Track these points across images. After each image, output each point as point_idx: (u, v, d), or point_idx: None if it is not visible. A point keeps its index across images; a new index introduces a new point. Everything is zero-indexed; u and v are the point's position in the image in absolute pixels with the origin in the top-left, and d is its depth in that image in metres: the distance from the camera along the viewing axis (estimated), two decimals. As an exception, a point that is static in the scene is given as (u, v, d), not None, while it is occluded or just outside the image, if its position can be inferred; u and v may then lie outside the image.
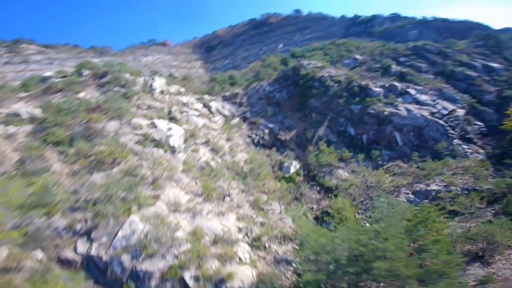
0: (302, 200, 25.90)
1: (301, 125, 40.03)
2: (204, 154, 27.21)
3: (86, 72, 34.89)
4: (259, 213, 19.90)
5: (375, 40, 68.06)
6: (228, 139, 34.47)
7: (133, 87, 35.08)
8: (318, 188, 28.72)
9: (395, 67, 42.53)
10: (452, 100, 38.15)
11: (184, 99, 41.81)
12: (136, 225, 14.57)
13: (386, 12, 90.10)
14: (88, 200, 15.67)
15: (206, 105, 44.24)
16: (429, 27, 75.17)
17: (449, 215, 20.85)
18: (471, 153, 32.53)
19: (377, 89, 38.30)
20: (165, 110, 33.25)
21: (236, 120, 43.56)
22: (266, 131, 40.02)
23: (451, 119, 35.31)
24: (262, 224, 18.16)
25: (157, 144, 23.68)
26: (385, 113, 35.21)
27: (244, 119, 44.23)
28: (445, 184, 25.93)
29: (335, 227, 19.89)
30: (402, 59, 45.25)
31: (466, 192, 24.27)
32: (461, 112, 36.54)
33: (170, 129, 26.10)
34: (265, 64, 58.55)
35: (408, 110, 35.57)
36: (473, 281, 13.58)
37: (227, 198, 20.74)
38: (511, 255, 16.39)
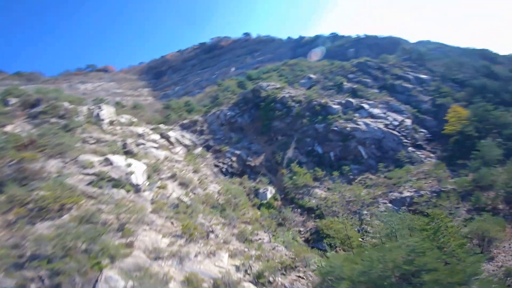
0: (287, 225, 25.06)
1: (269, 148, 39.21)
2: (174, 190, 24.39)
3: (13, 100, 29.00)
4: (250, 245, 18.39)
5: (320, 59, 73.54)
6: (195, 171, 31.67)
7: (75, 118, 30.41)
8: (299, 210, 28.05)
9: (346, 84, 45.53)
10: (399, 111, 41.92)
11: (139, 130, 37.93)
12: (115, 282, 11.51)
13: (326, 32, 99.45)
14: (37, 256, 12.11)
15: (164, 136, 40.76)
16: (363, 45, 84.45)
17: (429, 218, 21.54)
18: (425, 158, 35.46)
19: (336, 106, 40.04)
20: (119, 144, 29.26)
21: (199, 149, 40.91)
22: (234, 158, 38.11)
23: (402, 129, 38.51)
24: (258, 257, 16.79)
25: (116, 183, 20.24)
26: (348, 129, 36.63)
27: (208, 147, 41.77)
28: (415, 189, 27.45)
29: (337, 249, 19.55)
30: (350, 75, 48.92)
31: (435, 194, 25.93)
32: (408, 122, 40.21)
33: (129, 165, 22.57)
34: (222, 88, 57.61)
35: (366, 124, 37.65)
36: (491, 276, 13.63)
37: (212, 235, 18.57)
38: (506, 248, 17.20)
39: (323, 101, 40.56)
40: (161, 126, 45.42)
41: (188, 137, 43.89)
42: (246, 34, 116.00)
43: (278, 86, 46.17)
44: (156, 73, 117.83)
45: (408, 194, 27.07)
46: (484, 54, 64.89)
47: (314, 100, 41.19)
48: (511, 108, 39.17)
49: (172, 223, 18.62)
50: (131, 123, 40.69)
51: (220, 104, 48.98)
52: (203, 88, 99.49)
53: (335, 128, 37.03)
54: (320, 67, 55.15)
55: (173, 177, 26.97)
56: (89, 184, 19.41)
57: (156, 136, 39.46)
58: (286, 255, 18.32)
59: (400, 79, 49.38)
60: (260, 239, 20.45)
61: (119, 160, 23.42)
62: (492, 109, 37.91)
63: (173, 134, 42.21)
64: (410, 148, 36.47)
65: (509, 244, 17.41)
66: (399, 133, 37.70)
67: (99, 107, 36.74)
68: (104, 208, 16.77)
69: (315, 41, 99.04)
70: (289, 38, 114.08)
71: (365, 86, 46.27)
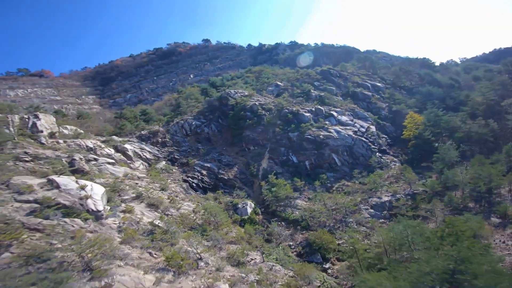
0: (275, 240, 23.33)
1: (241, 160, 37.08)
2: (143, 213, 20.74)
3: None
4: (246, 269, 16.51)
5: (281, 67, 74.82)
6: (162, 189, 27.97)
7: (4, 129, 24.79)
8: (284, 223, 26.42)
9: (314, 92, 46.23)
10: (364, 118, 43.82)
11: (88, 143, 32.79)
12: None
13: (285, 40, 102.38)
14: None
15: (119, 149, 36.01)
16: (320, 53, 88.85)
17: (412, 219, 21.79)
18: (390, 162, 37.23)
19: (307, 114, 39.99)
20: (64, 161, 24.38)
21: (163, 163, 36.98)
22: (204, 172, 35.05)
23: (369, 136, 40.06)
24: (259, 282, 15.29)
25: (68, 211, 16.16)
26: (321, 136, 36.64)
27: (173, 161, 37.93)
28: (391, 194, 28.45)
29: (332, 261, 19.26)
30: (316, 83, 49.98)
31: (409, 197, 27.22)
32: (373, 128, 42.19)
33: (82, 187, 18.29)
34: (183, 96, 53.88)
35: (337, 131, 38.21)
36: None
37: (201, 263, 15.98)
38: (497, 243, 17.82)
39: (294, 109, 40.20)
40: (115, 138, 40.26)
41: (148, 150, 39.42)
42: (206, 40, 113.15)
43: (246, 93, 44.64)
44: (104, 79, 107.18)
45: (386, 198, 27.97)
46: (424, 63, 72.99)
47: (285, 108, 40.61)
48: (457, 112, 43.75)
49: (150, 253, 15.51)
50: (77, 135, 35.03)
51: (183, 113, 45.39)
52: (159, 96, 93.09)
53: (309, 137, 36.75)
54: (286, 74, 55.49)
55: (138, 197, 23.25)
56: (30, 213, 15.23)
57: (110, 150, 34.56)
58: (286, 274, 17.30)
59: (360, 86, 52.10)
60: (252, 259, 18.72)
61: (67, 182, 19.02)
62: (442, 114, 41.68)
63: (130, 147, 37.54)
64: (378, 154, 37.99)
65: (494, 240, 18.34)
66: (367, 139, 39.05)
67: (36, 116, 30.79)
68: (57, 244, 13.03)
69: (275, 49, 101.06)
70: (249, 45, 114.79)
71: (331, 93, 47.56)
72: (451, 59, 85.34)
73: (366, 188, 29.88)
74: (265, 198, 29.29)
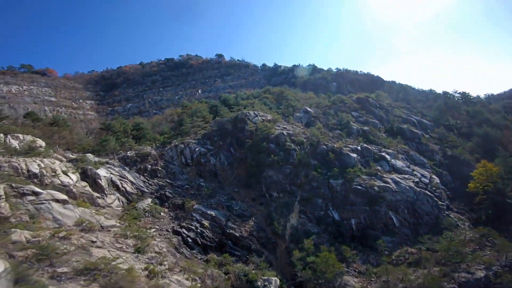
0: None
1: (260, 210, 25.21)
2: None
3: None
4: None
5: (297, 90, 64.94)
6: (138, 251, 15.98)
7: None
8: None
9: (354, 125, 35.30)
10: (421, 165, 32.71)
11: (40, 163, 21.26)
12: None
13: (301, 62, 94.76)
14: None
15: (89, 175, 24.68)
16: (343, 79, 79.58)
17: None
18: (457, 221, 27.10)
19: (353, 155, 28.68)
20: None
21: (148, 201, 25.44)
22: (206, 222, 23.23)
23: (433, 188, 29.25)
24: None
25: None
26: (375, 188, 25.22)
27: (162, 200, 26.18)
28: (484, 266, 20.32)
29: None
30: (354, 113, 39.26)
31: (507, 268, 19.72)
32: (436, 178, 31.13)
33: None
34: (188, 112, 42.99)
35: (395, 182, 26.83)
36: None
37: None
38: None
39: (336, 146, 28.93)
40: (89, 157, 28.89)
41: (131, 180, 27.72)
42: (219, 55, 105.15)
43: (269, 117, 33.60)
44: (107, 85, 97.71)
45: (480, 273, 19.31)
46: (465, 98, 62.79)
47: (323, 144, 29.32)
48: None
49: None
50: (31, 149, 23.49)
51: (184, 134, 34.11)
52: (162, 109, 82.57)
53: (359, 187, 25.27)
54: (312, 99, 44.96)
55: (87, 273, 11.33)
56: None
57: (71, 177, 22.94)
58: None
59: (406, 122, 41.42)
60: None
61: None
62: (516, 164, 31.43)
63: (105, 173, 26.06)
64: (445, 212, 27.77)
65: None
66: (432, 193, 28.29)
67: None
68: None
69: (293, 71, 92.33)
70: (263, 65, 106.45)
71: (374, 127, 36.67)
72: (489, 93, 75.48)
73: (440, 258, 21.20)
74: (297, 272, 17.74)
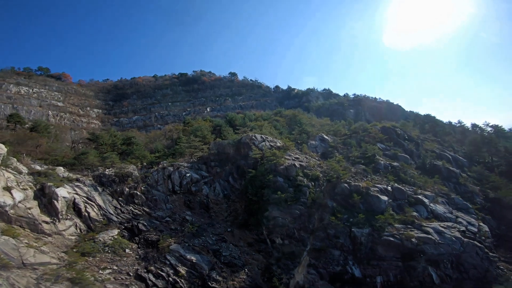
0: None
1: (256, 259, 18.94)
2: None
3: None
4: None
5: (311, 115, 59.76)
6: None
7: None
8: None
9: (381, 159, 29.07)
10: (465, 210, 26.03)
11: None
12: None
13: (315, 86, 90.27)
14: None
15: (45, 192, 19.60)
16: (362, 105, 74.25)
17: None
18: (508, 273, 21.00)
19: (383, 197, 22.33)
20: None
21: (113, 233, 20.52)
22: (182, 269, 17.42)
23: (483, 238, 22.81)
24: None
25: None
26: (413, 240, 18.72)
27: (133, 233, 20.75)
28: None
29: None
30: (380, 145, 33.16)
31: None
32: (485, 226, 24.50)
33: None
34: (189, 130, 38.22)
35: (438, 232, 20.35)
36: None
37: None
38: None
39: (362, 185, 22.74)
40: (59, 170, 24.16)
41: (99, 204, 22.56)
42: (232, 74, 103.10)
43: (279, 144, 28.02)
44: (118, 95, 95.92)
45: None
46: (498, 132, 55.30)
47: (344, 181, 23.18)
48: None
49: None
50: None
51: (178, 154, 28.85)
52: (168, 124, 79.36)
53: (391, 239, 18.81)
54: (333, 126, 39.36)
55: None
56: None
57: (13, 195, 18.23)
58: None
59: (440, 158, 34.96)
60: None
61: None
62: None
63: (67, 193, 21.27)
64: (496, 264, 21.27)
65: None
66: (481, 243, 21.84)
67: None
68: None
69: (307, 95, 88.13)
70: (276, 87, 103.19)
71: (405, 163, 30.36)
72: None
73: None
74: None
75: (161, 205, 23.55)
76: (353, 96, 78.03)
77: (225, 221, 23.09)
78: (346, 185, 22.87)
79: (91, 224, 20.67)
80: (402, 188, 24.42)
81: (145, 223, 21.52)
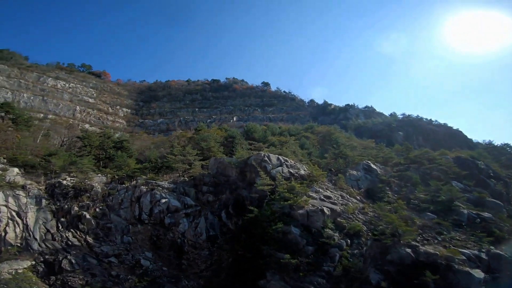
0: None
1: None
2: None
3: None
4: None
5: (350, 133, 49.33)
6: None
7: None
8: None
9: (462, 207, 18.40)
10: None
11: None
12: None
13: (356, 103, 79.19)
14: None
15: None
16: (414, 128, 61.46)
17: None
18: None
19: (477, 273, 12.04)
20: None
21: (22, 265, 15.64)
22: None
23: None
24: None
25: None
26: None
27: (52, 269, 13.43)
28: None
29: None
30: (457, 184, 22.14)
31: None
32: None
33: None
34: (196, 138, 31.33)
35: None
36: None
37: None
38: None
39: (439, 251, 12.68)
40: (12, 172, 18.68)
41: (27, 223, 16.47)
42: (265, 84, 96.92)
43: (303, 172, 19.17)
44: (150, 96, 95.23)
45: None
46: None
47: (407, 243, 13.38)
48: None
49: None
50: None
51: (165, 169, 21.65)
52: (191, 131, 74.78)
53: None
54: (382, 151, 28.97)
55: None
56: None
57: None
58: None
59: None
60: None
61: None
62: None
63: None
64: None
65: None
66: None
67: None
68: None
69: (345, 111, 77.47)
70: (311, 101, 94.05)
71: (497, 211, 19.19)
72: None
73: None
74: None
75: (114, 236, 16.18)
76: (401, 116, 65.53)
77: (200, 276, 14.83)
78: (408, 250, 13.06)
79: (2, 248, 14.15)
80: (501, 253, 13.79)
81: (75, 260, 14.21)
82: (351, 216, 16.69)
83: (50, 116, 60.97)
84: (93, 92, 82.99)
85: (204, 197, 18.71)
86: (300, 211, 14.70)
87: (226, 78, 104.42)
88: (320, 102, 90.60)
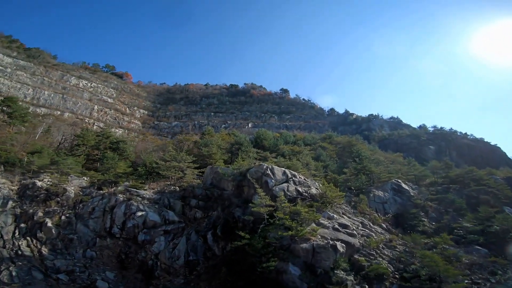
0: None
1: None
2: None
3: None
4: None
5: (373, 146, 44.35)
6: None
7: None
8: None
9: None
10: None
11: None
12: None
13: (380, 113, 72.94)
14: None
15: None
16: (447, 142, 55.00)
17: None
18: None
19: None
20: None
21: None
22: None
23: None
24: None
25: None
26: None
27: None
28: None
29: None
30: (510, 210, 17.43)
31: None
32: None
33: None
34: (201, 142, 28.64)
35: None
36: None
37: None
38: None
39: None
40: None
41: None
42: (284, 90, 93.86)
43: (315, 190, 15.36)
44: (168, 99, 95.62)
45: None
46: None
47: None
48: None
49: None
50: None
51: (156, 176, 18.87)
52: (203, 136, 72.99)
53: None
54: (412, 167, 24.22)
55: None
56: None
57: None
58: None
59: None
60: None
61: None
62: None
63: None
64: None
65: None
66: None
67: None
68: None
69: (369, 122, 71.95)
70: (331, 110, 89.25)
71: None
72: None
73: None
74: None
75: (75, 249, 13.43)
76: (432, 129, 59.20)
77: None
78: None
79: None
80: None
81: (17, 272, 11.45)
82: (374, 252, 12.70)
83: (66, 114, 61.81)
84: (113, 92, 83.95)
85: (191, 212, 15.58)
86: (304, 245, 11.01)
87: (245, 84, 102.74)
88: (341, 111, 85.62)
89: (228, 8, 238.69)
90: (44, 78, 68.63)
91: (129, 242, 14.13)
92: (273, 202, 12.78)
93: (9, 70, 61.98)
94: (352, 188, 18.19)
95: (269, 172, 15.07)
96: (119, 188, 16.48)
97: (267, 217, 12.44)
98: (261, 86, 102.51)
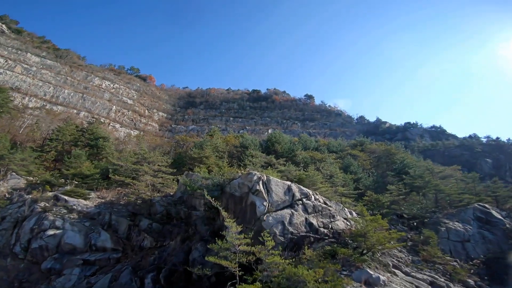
0: None
1: None
2: None
3: None
4: None
5: (416, 156, 35.79)
6: None
7: None
8: None
9: None
10: None
11: None
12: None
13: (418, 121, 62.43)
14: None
15: None
16: (504, 154, 44.78)
17: None
18: None
19: None
20: None
21: None
22: None
23: None
24: None
25: None
26: None
27: None
28: None
29: None
30: None
31: None
32: None
33: None
34: (204, 142, 23.38)
35: None
36: None
37: None
38: None
39: None
40: None
41: None
42: (308, 96, 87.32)
43: (340, 222, 8.85)
44: (188, 102, 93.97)
45: None
46: None
47: None
48: None
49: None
50: None
51: (112, 182, 13.71)
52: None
53: None
54: (495, 185, 16.70)
55: None
56: None
57: None
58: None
59: None
60: None
61: None
62: None
63: None
64: None
65: None
66: None
67: None
68: None
69: (405, 131, 62.45)
70: (361, 117, 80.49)
71: None
72: None
73: None
74: None
75: None
76: (486, 139, 48.97)
77: None
78: None
79: None
80: None
81: None
82: None
83: (82, 113, 60.87)
84: (134, 94, 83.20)
85: (138, 239, 9.94)
86: None
87: (267, 89, 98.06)
88: (372, 119, 76.55)
89: (252, 12, 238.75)
90: (68, 77, 69.11)
91: (33, 268, 8.84)
92: (259, 243, 6.63)
93: (34, 69, 62.83)
94: (405, 216, 11.30)
95: (260, 187, 8.72)
96: (49, 193, 11.44)
97: (241, 273, 6.25)
98: (284, 92, 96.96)
